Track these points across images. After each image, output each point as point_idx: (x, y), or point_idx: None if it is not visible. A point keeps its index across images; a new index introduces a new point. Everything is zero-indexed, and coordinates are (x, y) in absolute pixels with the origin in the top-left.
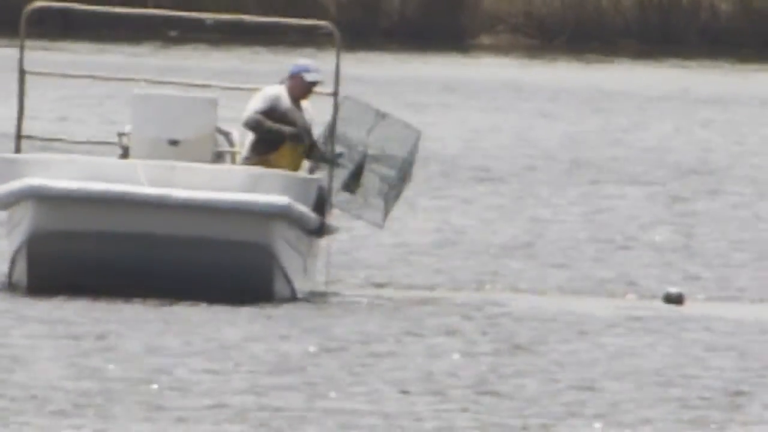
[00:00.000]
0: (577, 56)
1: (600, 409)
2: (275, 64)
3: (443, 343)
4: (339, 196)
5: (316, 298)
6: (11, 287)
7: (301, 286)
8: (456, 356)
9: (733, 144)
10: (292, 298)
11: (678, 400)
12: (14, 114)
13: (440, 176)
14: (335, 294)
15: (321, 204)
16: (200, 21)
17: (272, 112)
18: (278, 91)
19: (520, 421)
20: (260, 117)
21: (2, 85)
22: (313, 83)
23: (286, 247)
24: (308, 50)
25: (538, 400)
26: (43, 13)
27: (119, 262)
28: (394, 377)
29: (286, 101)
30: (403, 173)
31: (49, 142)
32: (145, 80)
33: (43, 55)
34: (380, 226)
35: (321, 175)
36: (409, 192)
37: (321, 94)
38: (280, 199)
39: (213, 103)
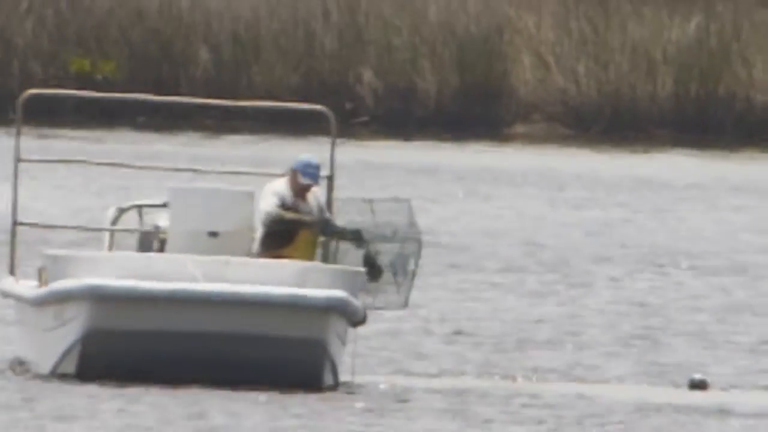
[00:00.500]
0: (614, 145)
1: None
2: (277, 152)
3: None
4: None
5: (352, 389)
6: (59, 379)
7: (341, 374)
8: None
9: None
10: (335, 386)
11: None
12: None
13: (473, 264)
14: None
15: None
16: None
17: (282, 206)
18: (281, 187)
19: None
20: (281, 211)
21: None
22: (308, 186)
23: (336, 340)
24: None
25: None
26: (41, 102)
27: (178, 360)
28: None
29: (289, 195)
30: (415, 241)
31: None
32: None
33: (41, 143)
34: (403, 308)
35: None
36: (455, 278)
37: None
38: (337, 293)
39: (251, 196)
